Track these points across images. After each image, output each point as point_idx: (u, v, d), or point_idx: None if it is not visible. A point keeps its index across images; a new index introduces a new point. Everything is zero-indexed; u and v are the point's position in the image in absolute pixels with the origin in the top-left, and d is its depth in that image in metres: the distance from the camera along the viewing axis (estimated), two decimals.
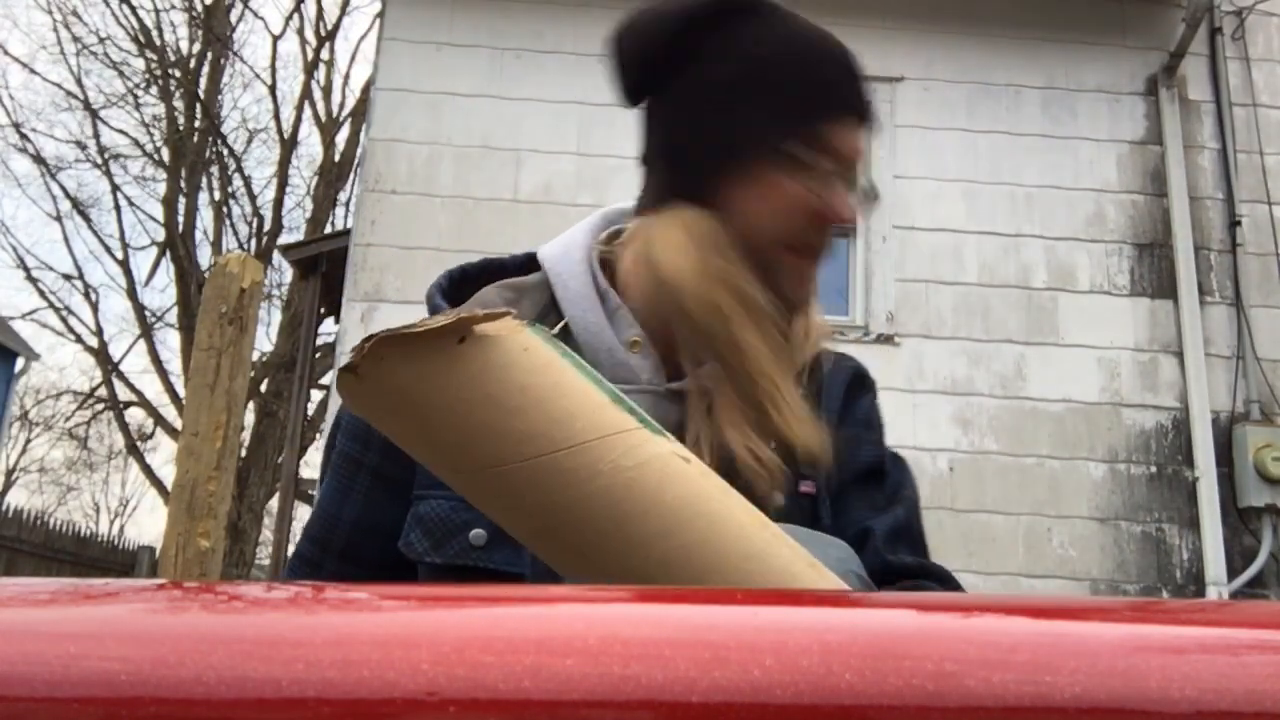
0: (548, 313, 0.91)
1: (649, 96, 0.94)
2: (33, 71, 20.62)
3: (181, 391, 13.28)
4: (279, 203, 15.33)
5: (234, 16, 15.91)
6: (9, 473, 19.55)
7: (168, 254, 14.87)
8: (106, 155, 15.36)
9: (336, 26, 16.39)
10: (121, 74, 15.45)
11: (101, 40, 15.36)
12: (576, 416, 0.60)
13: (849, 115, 0.88)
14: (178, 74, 15.52)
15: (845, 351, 1.05)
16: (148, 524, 26.40)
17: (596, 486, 0.60)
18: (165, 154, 15.36)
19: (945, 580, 0.93)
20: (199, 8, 15.32)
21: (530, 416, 0.60)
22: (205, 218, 15.38)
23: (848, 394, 1.00)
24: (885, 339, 4.31)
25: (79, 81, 15.51)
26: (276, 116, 15.72)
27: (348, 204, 14.65)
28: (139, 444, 15.97)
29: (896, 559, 0.91)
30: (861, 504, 0.95)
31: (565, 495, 0.60)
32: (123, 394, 15.67)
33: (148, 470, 15.59)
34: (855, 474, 0.96)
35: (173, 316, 14.88)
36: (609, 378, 0.72)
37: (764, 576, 0.61)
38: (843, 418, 0.97)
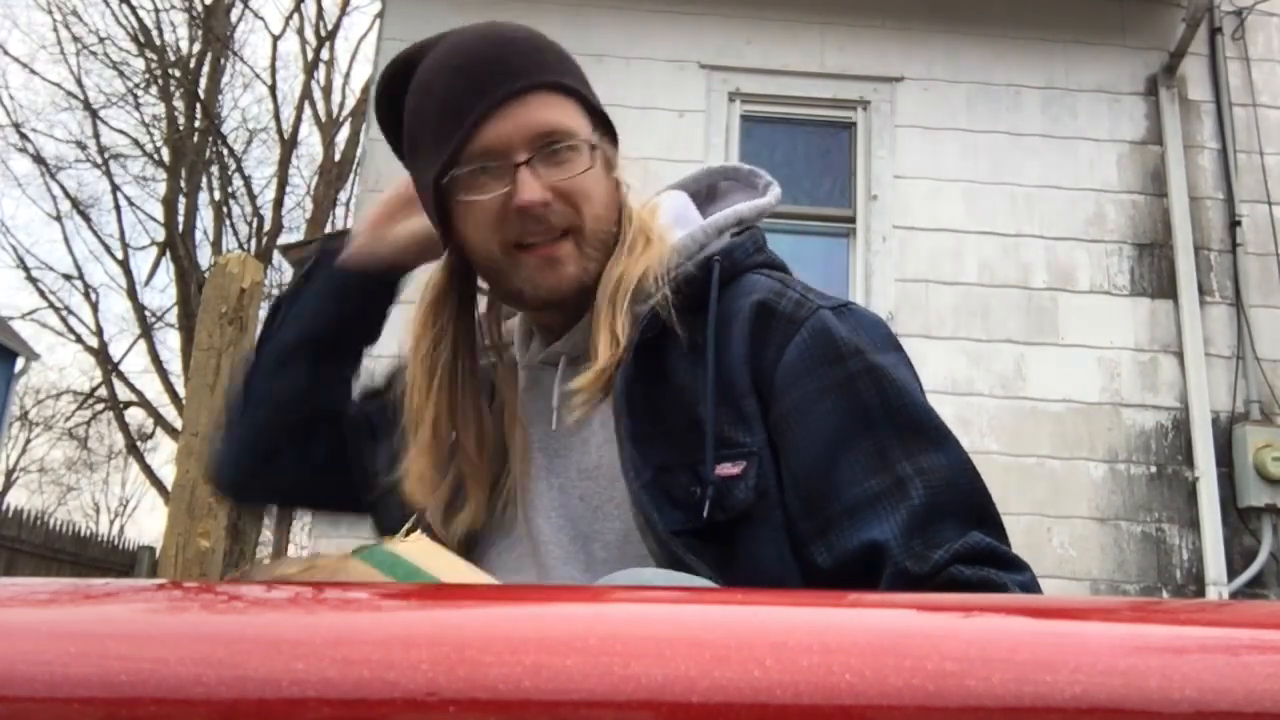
0: None
1: None
2: (33, 71, 20.61)
3: (181, 391, 13.28)
4: (279, 203, 15.32)
5: (234, 16, 15.92)
6: (9, 473, 19.55)
7: (168, 254, 14.85)
8: (106, 155, 15.35)
9: (336, 26, 16.39)
10: (121, 74, 15.44)
11: (101, 40, 15.35)
12: None
13: (480, 112, 0.90)
14: (178, 74, 15.51)
15: (773, 275, 0.93)
16: (148, 524, 26.43)
17: None
18: (165, 154, 15.33)
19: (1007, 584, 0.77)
20: (199, 8, 15.32)
21: None
22: (205, 218, 15.37)
23: (756, 341, 0.87)
24: None
25: (79, 81, 15.50)
26: (276, 116, 15.72)
27: (348, 204, 14.65)
28: (139, 444, 15.96)
29: (928, 571, 0.77)
30: (847, 496, 0.80)
31: None
32: (123, 394, 15.67)
33: (148, 470, 15.58)
34: (818, 452, 0.82)
35: (173, 316, 14.87)
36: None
37: None
38: (765, 377, 0.86)
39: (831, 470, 0.81)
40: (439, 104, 0.92)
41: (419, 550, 0.64)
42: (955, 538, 0.79)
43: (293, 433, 1.05)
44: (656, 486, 0.84)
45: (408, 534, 0.64)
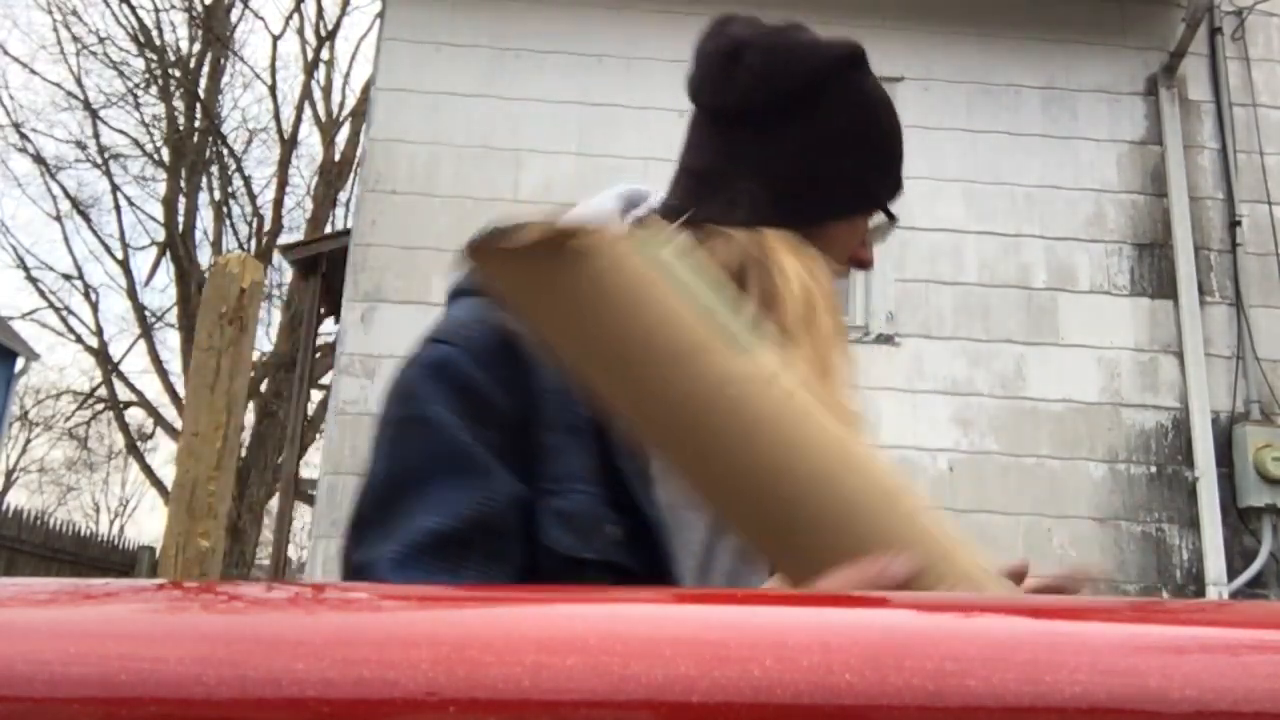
0: None
1: (751, 120, 0.94)
2: (33, 71, 20.55)
3: (181, 391, 13.29)
4: (279, 203, 15.33)
5: (234, 16, 15.93)
6: (9, 473, 19.54)
7: (168, 254, 14.87)
8: (106, 155, 15.36)
9: (336, 26, 16.38)
10: (121, 74, 15.45)
11: (101, 40, 15.36)
12: (657, 331, 0.62)
13: (903, 172, 0.98)
14: (178, 74, 15.52)
15: None
16: (148, 524, 26.40)
17: (671, 398, 0.63)
18: (165, 154, 15.35)
19: None
20: (199, 8, 15.33)
21: (614, 328, 0.63)
22: (205, 218, 15.38)
23: None
24: (885, 339, 4.30)
25: (79, 81, 15.51)
26: (276, 116, 15.72)
27: (348, 204, 14.65)
28: (139, 444, 15.97)
29: None
30: None
31: (647, 404, 0.64)
32: (123, 394, 15.68)
33: (148, 470, 15.59)
34: None
35: (173, 316, 14.88)
36: None
37: (829, 500, 0.63)
38: None
39: None
40: (894, 137, 0.96)
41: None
42: None
43: None
44: None
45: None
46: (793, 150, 0.92)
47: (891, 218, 0.96)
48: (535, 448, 0.81)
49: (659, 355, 0.62)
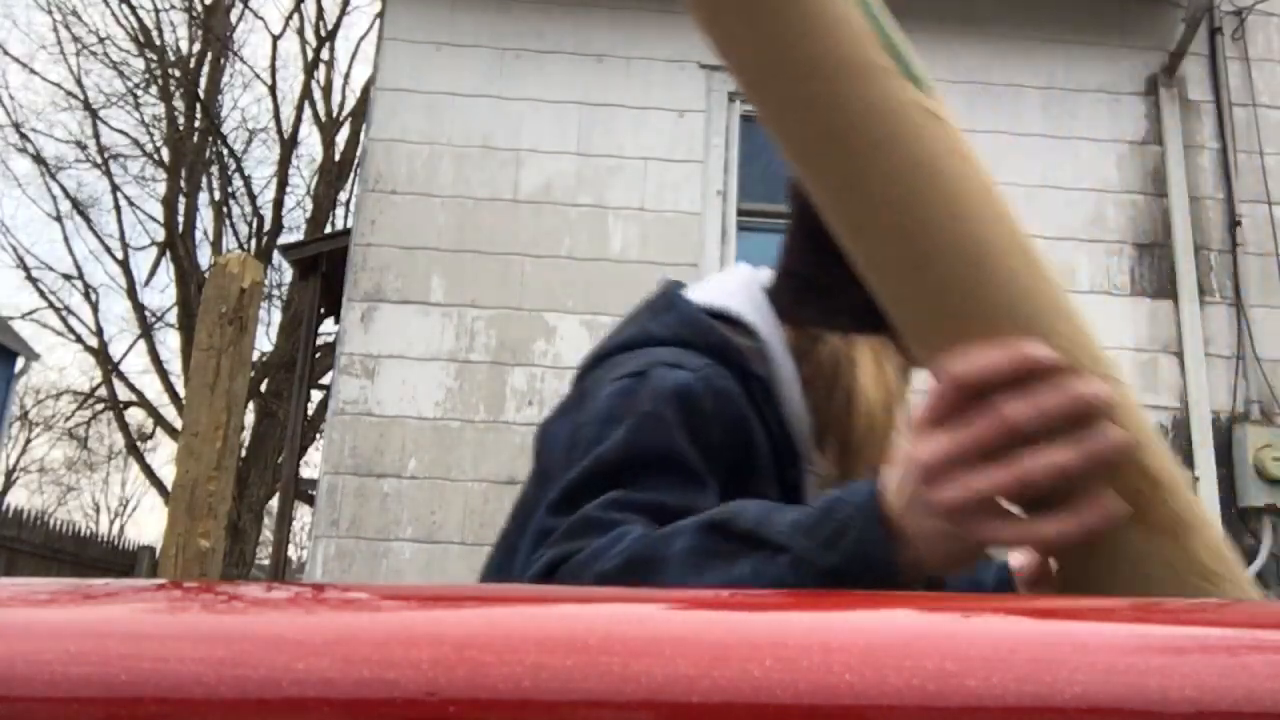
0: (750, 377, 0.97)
1: None
2: (33, 71, 20.58)
3: (181, 391, 13.29)
4: (279, 203, 15.33)
5: (234, 16, 15.93)
6: (9, 473, 19.56)
7: (168, 254, 14.87)
8: (106, 155, 15.37)
9: (336, 26, 16.38)
10: (121, 74, 15.46)
11: (101, 40, 15.37)
12: (826, 37, 0.62)
13: None
14: (178, 74, 15.52)
15: None
16: (148, 524, 26.46)
17: (818, 107, 0.62)
18: (165, 154, 15.36)
19: None
20: (199, 8, 15.33)
21: (791, 29, 0.62)
22: (205, 218, 15.39)
23: None
24: None
25: (79, 81, 15.52)
26: (276, 116, 15.72)
27: (348, 204, 14.66)
28: (139, 444, 15.98)
29: None
30: None
31: (797, 111, 0.64)
32: (123, 394, 15.69)
33: (148, 470, 15.59)
34: None
35: (173, 316, 14.89)
36: (798, 458, 0.96)
37: (966, 223, 0.63)
38: None
39: None
40: None
41: None
42: None
43: None
44: None
45: None
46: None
47: None
48: (740, 489, 0.88)
49: (820, 62, 0.61)
